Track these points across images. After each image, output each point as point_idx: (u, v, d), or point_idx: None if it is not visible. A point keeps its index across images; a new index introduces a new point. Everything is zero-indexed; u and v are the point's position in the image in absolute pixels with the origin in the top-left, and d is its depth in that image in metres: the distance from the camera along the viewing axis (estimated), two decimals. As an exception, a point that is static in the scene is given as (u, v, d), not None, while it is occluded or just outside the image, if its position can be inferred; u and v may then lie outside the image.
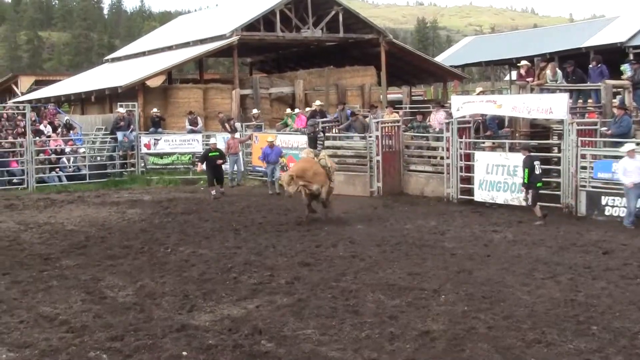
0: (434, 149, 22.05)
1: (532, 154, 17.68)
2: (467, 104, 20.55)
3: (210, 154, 22.87)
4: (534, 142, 19.51)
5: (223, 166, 23.52)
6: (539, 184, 17.34)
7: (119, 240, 16.21)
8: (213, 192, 22.57)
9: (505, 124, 21.36)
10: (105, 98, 35.83)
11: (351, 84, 37.86)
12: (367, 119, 24.35)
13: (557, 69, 22.06)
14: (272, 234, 16.48)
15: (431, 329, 9.48)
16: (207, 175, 23.16)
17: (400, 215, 18.60)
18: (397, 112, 25.58)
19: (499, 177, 19.15)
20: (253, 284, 12.05)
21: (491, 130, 21.18)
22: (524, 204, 17.94)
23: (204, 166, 22.95)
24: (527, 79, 21.55)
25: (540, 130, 21.03)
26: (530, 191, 17.24)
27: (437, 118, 22.58)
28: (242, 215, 19.15)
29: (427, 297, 10.99)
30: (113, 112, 32.46)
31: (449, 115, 21.22)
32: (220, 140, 25.58)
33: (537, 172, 17.24)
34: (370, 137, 22.36)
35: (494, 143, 20.13)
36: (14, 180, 26.39)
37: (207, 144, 25.44)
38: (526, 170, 17.11)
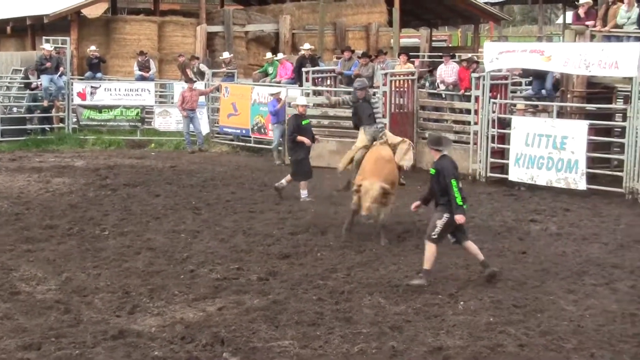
0: (459, 111, 22.03)
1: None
2: (505, 55, 20.42)
3: (303, 123, 18.25)
4: (591, 107, 19.42)
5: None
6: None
7: (40, 218, 16.22)
8: (304, 194, 17.96)
9: (561, 84, 21.23)
10: (25, 30, 35.61)
11: (353, 22, 37.76)
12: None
13: (635, 2, 20.59)
14: (242, 215, 16.55)
15: (445, 344, 9.54)
16: (300, 163, 18.00)
17: (409, 197, 18.52)
18: (412, 62, 25.52)
19: (541, 150, 19.13)
20: (215, 279, 12.11)
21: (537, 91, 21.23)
22: (572, 186, 18.00)
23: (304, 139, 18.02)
24: (587, 23, 21.39)
25: (600, 91, 20.98)
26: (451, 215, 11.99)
27: (445, 73, 22.77)
28: (204, 190, 19.21)
29: (441, 303, 11.06)
30: (36, 49, 32.31)
31: (471, 68, 21.22)
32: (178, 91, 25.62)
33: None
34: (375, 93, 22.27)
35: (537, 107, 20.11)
36: None
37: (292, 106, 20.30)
38: (454, 183, 11.87)
